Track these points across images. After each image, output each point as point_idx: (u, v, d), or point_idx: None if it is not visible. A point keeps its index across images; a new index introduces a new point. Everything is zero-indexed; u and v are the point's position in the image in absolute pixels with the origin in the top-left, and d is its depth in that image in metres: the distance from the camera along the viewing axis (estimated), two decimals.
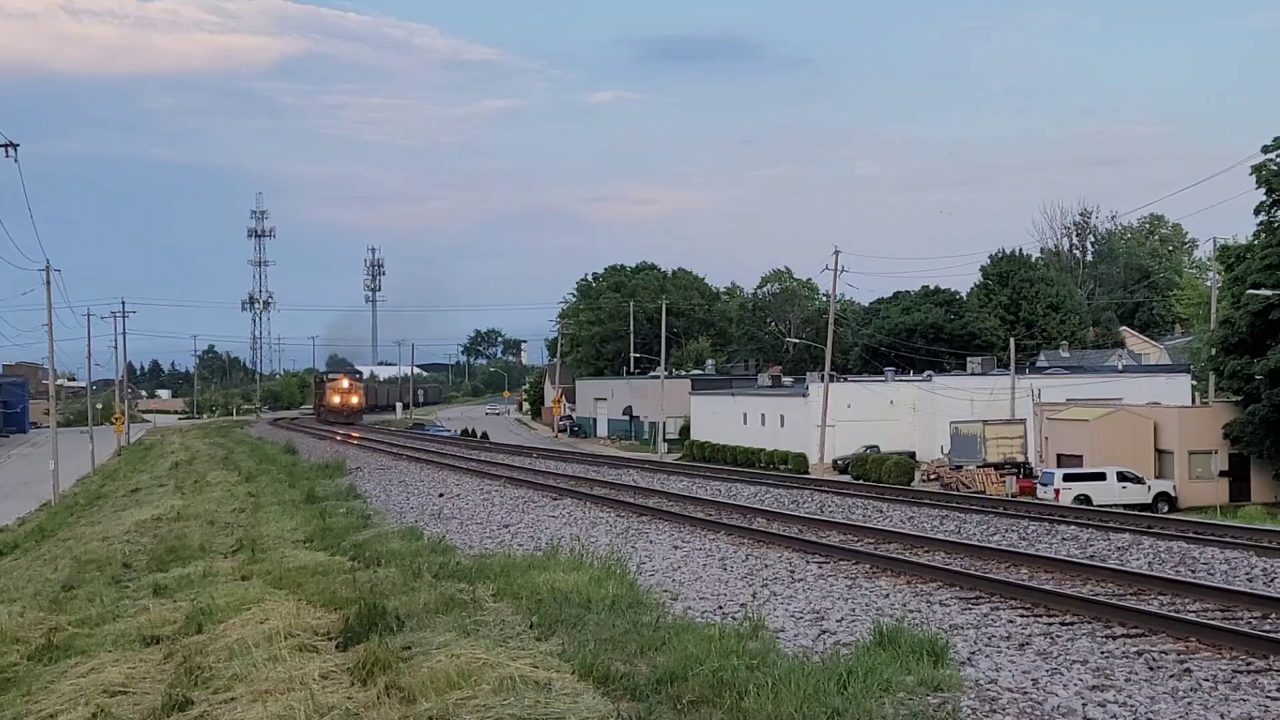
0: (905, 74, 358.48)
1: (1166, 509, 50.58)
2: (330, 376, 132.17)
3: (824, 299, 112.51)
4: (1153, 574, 16.96)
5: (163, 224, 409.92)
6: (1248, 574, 17.77)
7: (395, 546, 20.83)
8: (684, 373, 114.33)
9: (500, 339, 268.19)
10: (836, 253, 74.03)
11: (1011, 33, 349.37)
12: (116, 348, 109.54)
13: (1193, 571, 18.07)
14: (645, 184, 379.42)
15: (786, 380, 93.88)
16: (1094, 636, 12.65)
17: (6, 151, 47.07)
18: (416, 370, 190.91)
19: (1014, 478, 57.47)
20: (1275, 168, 57.17)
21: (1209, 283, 79.19)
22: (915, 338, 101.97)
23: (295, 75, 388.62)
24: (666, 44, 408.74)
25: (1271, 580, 17.19)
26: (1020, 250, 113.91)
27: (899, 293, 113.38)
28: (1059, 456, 60.31)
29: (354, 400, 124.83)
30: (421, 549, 20.50)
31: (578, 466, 46.68)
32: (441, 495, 32.77)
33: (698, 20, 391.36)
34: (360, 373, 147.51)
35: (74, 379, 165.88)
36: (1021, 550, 19.84)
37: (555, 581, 14.82)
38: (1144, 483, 54.04)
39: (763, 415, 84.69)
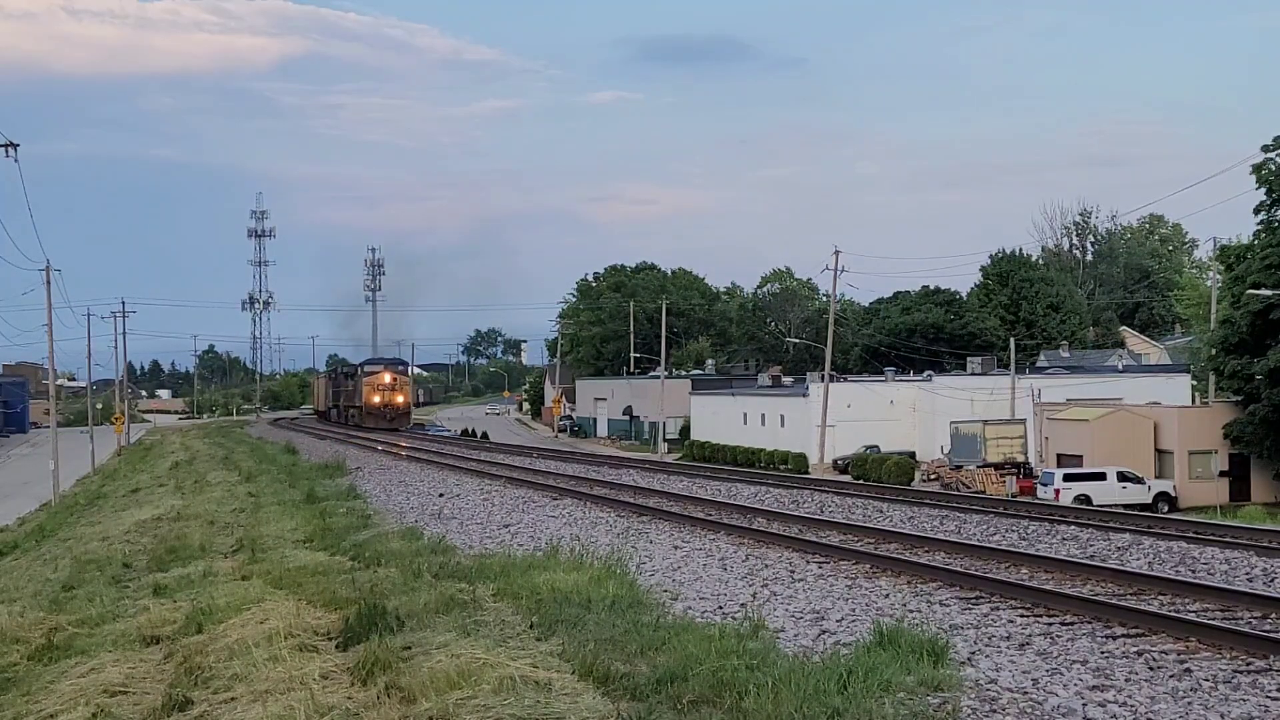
0: (903, 74, 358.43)
1: (1166, 509, 50.60)
2: (368, 368, 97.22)
3: (824, 299, 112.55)
4: (1153, 574, 16.96)
5: (163, 224, 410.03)
6: (1248, 574, 17.76)
7: (395, 546, 20.82)
8: (684, 373, 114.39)
9: (500, 339, 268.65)
10: (836, 253, 74.14)
11: (1010, 32, 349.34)
12: (116, 348, 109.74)
13: (1193, 571, 18.07)
14: (645, 184, 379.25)
15: (786, 380, 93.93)
16: (1094, 636, 12.65)
17: (6, 151, 47.08)
18: (417, 370, 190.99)
19: (1014, 478, 57.47)
20: (1275, 167, 57.18)
21: (1209, 283, 79.22)
22: (915, 338, 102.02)
23: (295, 75, 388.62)
24: (663, 44, 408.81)
25: (1271, 580, 17.19)
26: (1020, 250, 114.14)
27: (899, 293, 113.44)
28: (1059, 456, 60.33)
29: (400, 399, 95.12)
30: (421, 549, 20.49)
31: (578, 466, 46.67)
32: (441, 495, 32.77)
33: (692, 20, 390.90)
34: (405, 363, 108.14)
35: (74, 379, 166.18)
36: (1021, 550, 19.84)
37: (555, 581, 14.82)
38: (1144, 483, 54.06)
39: (763, 415, 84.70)
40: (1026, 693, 10.10)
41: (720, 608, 14.49)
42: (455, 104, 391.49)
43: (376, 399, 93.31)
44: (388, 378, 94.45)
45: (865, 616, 13.67)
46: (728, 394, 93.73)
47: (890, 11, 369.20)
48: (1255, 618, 13.78)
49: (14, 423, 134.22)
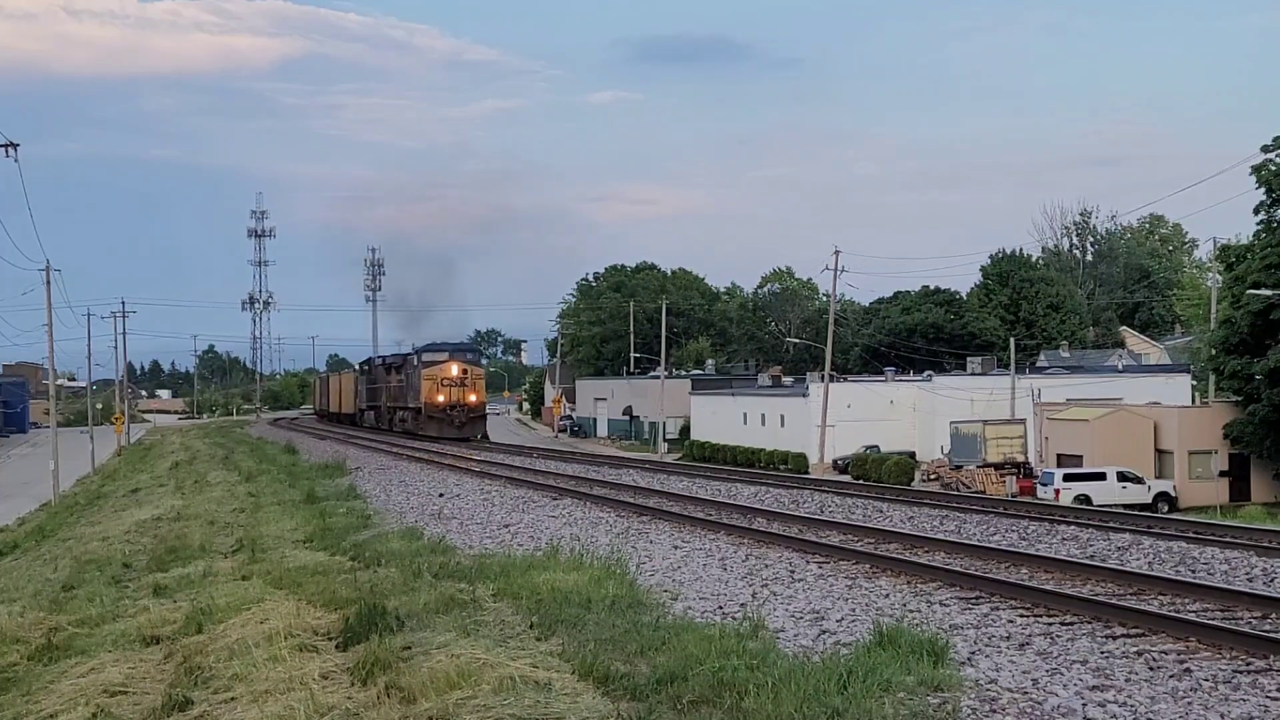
0: (902, 74, 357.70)
1: (1166, 509, 50.62)
2: (427, 356, 73.29)
3: (824, 299, 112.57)
4: (1153, 574, 16.95)
5: (163, 224, 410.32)
6: (1248, 574, 17.75)
7: (395, 546, 20.82)
8: (684, 373, 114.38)
9: (500, 339, 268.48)
10: (836, 253, 74.13)
11: (1009, 32, 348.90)
12: (116, 348, 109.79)
13: (1193, 571, 18.05)
14: (644, 184, 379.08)
15: (786, 380, 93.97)
16: (1094, 636, 12.64)
17: (6, 151, 47.06)
18: None
19: (1014, 478, 57.53)
20: (1275, 167, 57.23)
21: (1209, 283, 79.25)
22: (915, 338, 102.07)
23: (295, 76, 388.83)
24: (662, 44, 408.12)
25: (1271, 580, 17.18)
26: (1020, 250, 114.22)
27: (899, 293, 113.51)
28: (1059, 456, 60.36)
29: (472, 398, 71.54)
30: (421, 549, 20.49)
31: (578, 466, 46.65)
32: (441, 495, 32.75)
33: (691, 20, 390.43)
34: (476, 350, 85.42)
35: (74, 379, 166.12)
36: (1021, 550, 19.82)
37: (555, 581, 14.82)
38: (1144, 483, 54.09)
39: (763, 415, 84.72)
40: (1026, 693, 10.10)
41: (720, 608, 14.48)
42: (455, 104, 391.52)
43: (441, 398, 70.82)
44: (455, 369, 71.43)
45: (865, 616, 13.66)
46: (728, 394, 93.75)
47: (888, 11, 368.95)
48: (1255, 618, 13.77)
49: (14, 423, 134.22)
